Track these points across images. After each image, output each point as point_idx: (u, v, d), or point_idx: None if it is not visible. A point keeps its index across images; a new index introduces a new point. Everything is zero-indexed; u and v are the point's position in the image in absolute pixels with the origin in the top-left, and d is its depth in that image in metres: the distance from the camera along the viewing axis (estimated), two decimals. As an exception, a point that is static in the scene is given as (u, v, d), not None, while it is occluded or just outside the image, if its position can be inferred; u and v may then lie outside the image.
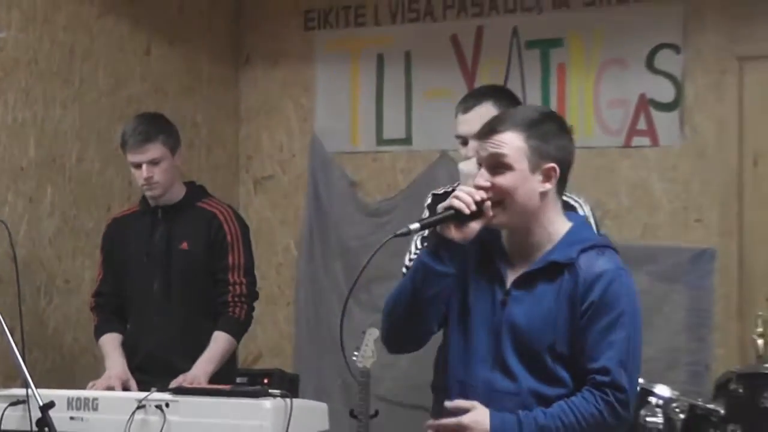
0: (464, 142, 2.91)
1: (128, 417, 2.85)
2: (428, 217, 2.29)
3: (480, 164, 2.25)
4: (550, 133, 2.23)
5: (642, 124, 4.19)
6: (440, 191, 3.07)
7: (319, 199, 4.80)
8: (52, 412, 2.78)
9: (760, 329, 3.36)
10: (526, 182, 2.20)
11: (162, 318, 3.41)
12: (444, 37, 4.52)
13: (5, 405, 2.95)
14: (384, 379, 4.35)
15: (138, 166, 3.38)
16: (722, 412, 3.08)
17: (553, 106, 4.23)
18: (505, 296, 2.24)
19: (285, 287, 4.90)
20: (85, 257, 4.08)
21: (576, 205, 2.86)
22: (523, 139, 2.21)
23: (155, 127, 3.42)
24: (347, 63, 4.72)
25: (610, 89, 4.22)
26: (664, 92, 4.14)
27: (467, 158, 2.87)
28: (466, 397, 2.24)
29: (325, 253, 4.76)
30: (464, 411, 2.20)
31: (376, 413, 3.84)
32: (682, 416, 3.09)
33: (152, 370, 3.36)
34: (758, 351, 3.33)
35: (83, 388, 3.24)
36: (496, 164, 2.21)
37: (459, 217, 2.19)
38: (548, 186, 2.22)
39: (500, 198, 2.20)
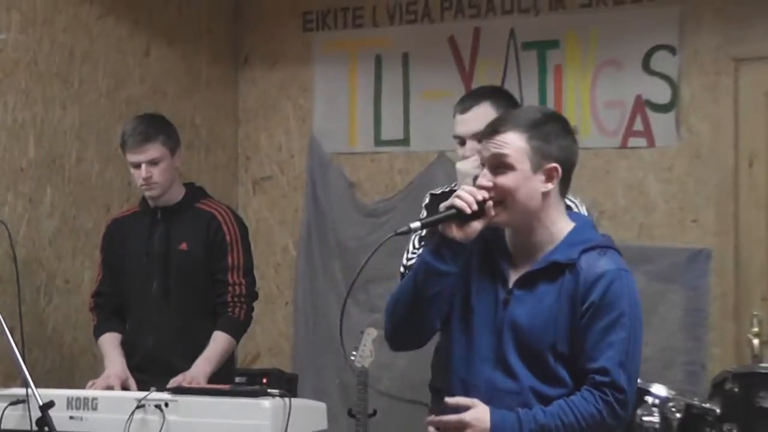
0: (462, 142, 2.92)
1: (127, 416, 2.86)
2: (429, 216, 2.30)
3: (483, 164, 2.26)
4: (553, 133, 2.24)
5: (638, 125, 4.20)
6: (438, 191, 3.08)
7: (317, 199, 4.81)
8: (51, 412, 2.79)
9: (755, 329, 3.36)
10: (528, 182, 2.21)
11: (161, 318, 3.41)
12: (441, 38, 4.53)
13: (5, 404, 2.95)
14: (382, 378, 4.37)
15: (137, 166, 3.38)
16: (718, 411, 3.08)
17: (550, 107, 4.23)
18: (508, 296, 2.25)
19: (283, 287, 4.90)
20: (84, 257, 4.08)
21: (572, 205, 2.87)
22: (525, 140, 2.22)
23: (155, 127, 3.42)
24: (345, 64, 4.73)
25: (606, 90, 4.24)
26: (661, 93, 4.16)
27: (465, 158, 2.88)
28: (468, 395, 2.25)
29: (324, 254, 4.77)
30: (465, 408, 2.21)
31: (375, 413, 3.85)
32: (678, 415, 3.09)
33: (151, 369, 3.36)
34: (754, 351, 3.34)
35: (83, 387, 3.25)
36: (498, 164, 2.22)
37: (460, 217, 2.20)
38: (550, 186, 2.23)
39: (502, 198, 2.21)
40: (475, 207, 2.19)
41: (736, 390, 3.08)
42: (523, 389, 2.21)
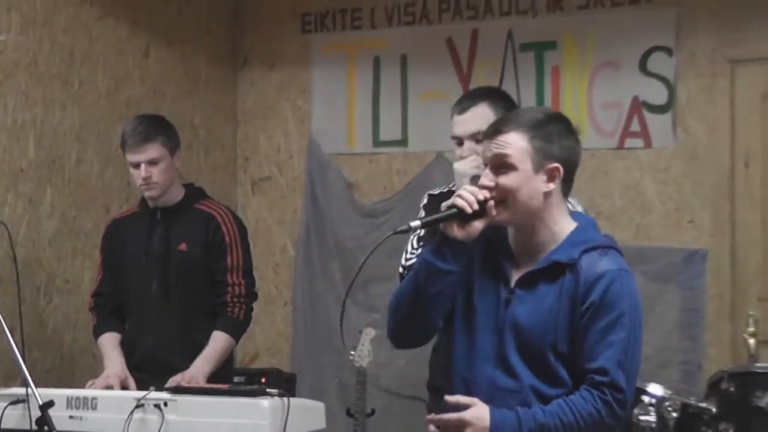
0: (460, 142, 2.92)
1: (127, 416, 2.86)
2: (430, 215, 2.30)
3: (485, 164, 2.27)
4: (555, 133, 2.24)
5: (635, 126, 4.22)
6: (436, 192, 3.09)
7: (316, 200, 4.81)
8: (51, 411, 2.79)
9: (751, 329, 3.36)
10: (530, 182, 2.22)
11: (160, 318, 3.42)
12: (439, 39, 4.54)
13: (5, 404, 2.96)
14: (381, 377, 4.38)
15: (137, 165, 3.39)
16: (714, 410, 3.08)
17: (548, 108, 4.27)
18: (509, 295, 2.25)
19: (282, 287, 4.91)
20: (84, 258, 4.09)
21: (569, 206, 2.88)
22: (527, 140, 2.22)
23: (155, 127, 3.43)
24: (344, 65, 4.74)
25: (603, 91, 4.25)
26: (657, 94, 4.17)
27: (462, 158, 2.89)
28: (470, 394, 2.26)
29: (322, 254, 4.78)
30: (465, 407, 2.22)
31: (373, 412, 3.86)
32: (674, 415, 3.08)
33: (150, 369, 3.36)
34: (750, 350, 3.34)
35: (82, 387, 3.26)
36: (500, 164, 2.23)
37: (461, 216, 2.20)
38: (552, 186, 2.23)
39: (503, 197, 2.22)
40: (476, 207, 2.20)
41: (732, 389, 3.09)
42: (523, 388, 2.22)
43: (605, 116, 4.24)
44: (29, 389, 2.84)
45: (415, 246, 2.97)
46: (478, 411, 2.20)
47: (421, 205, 3.06)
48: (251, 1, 4.96)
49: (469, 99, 2.99)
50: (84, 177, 4.15)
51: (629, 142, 4.24)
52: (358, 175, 4.77)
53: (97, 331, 3.50)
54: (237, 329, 3.45)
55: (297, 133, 4.90)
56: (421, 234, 2.95)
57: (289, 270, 4.89)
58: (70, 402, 2.96)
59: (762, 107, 4.07)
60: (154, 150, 3.38)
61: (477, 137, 2.87)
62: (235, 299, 3.42)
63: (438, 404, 2.87)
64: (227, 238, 3.45)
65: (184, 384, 3.15)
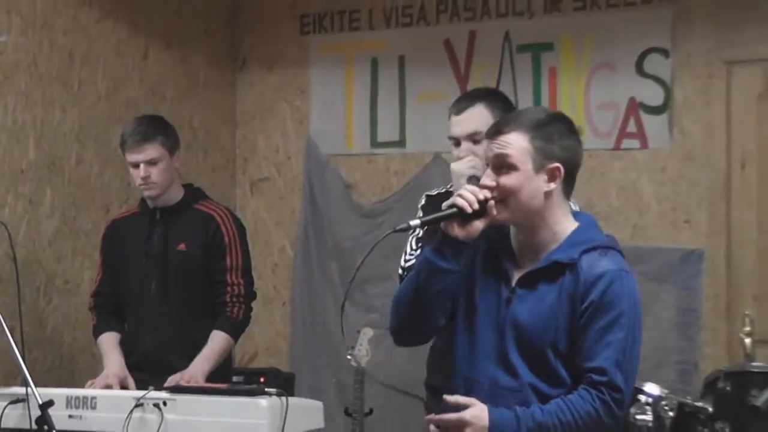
0: (457, 143, 2.93)
1: (126, 415, 2.87)
2: (430, 214, 2.32)
3: (487, 164, 2.29)
4: (556, 133, 2.26)
5: (631, 127, 4.23)
6: (434, 192, 3.10)
7: (314, 200, 4.82)
8: (51, 411, 2.80)
9: (747, 328, 3.35)
10: (531, 182, 2.23)
11: (159, 318, 3.43)
12: (437, 41, 4.56)
13: (5, 403, 2.96)
14: (379, 377, 4.39)
15: (136, 165, 3.40)
16: (710, 409, 3.08)
17: (545, 109, 4.28)
18: (510, 294, 2.27)
19: (281, 287, 4.93)
20: (84, 258, 4.10)
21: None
22: (528, 140, 2.24)
23: (154, 128, 3.44)
24: (342, 66, 4.75)
25: (600, 92, 4.26)
26: (653, 96, 4.18)
27: (459, 159, 2.90)
28: (471, 393, 2.28)
29: (321, 254, 4.79)
30: (464, 407, 2.23)
31: (371, 411, 3.87)
32: (671, 414, 3.07)
33: (149, 369, 3.38)
34: (746, 350, 3.33)
35: (82, 386, 3.27)
36: (501, 164, 2.25)
37: (461, 215, 2.22)
38: (553, 186, 2.24)
39: (504, 197, 2.23)
40: (476, 206, 2.21)
41: (728, 389, 3.09)
42: (523, 387, 2.24)
43: (602, 117, 4.25)
44: (29, 389, 2.85)
45: (414, 247, 2.98)
46: (477, 411, 2.21)
47: (419, 206, 3.08)
48: (250, 2, 4.97)
49: (466, 100, 3.00)
50: (83, 178, 4.17)
51: (626, 143, 4.25)
52: (356, 175, 4.78)
53: (97, 331, 3.51)
54: (236, 329, 3.46)
55: (295, 134, 4.91)
56: (420, 235, 2.97)
57: (288, 270, 4.90)
58: (69, 401, 2.97)
59: (758, 108, 4.08)
60: (153, 150, 3.39)
61: (474, 138, 2.89)
62: (234, 299, 3.44)
63: (436, 403, 2.89)
64: (226, 239, 3.46)
65: (184, 383, 3.17)
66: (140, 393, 2.95)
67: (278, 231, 4.95)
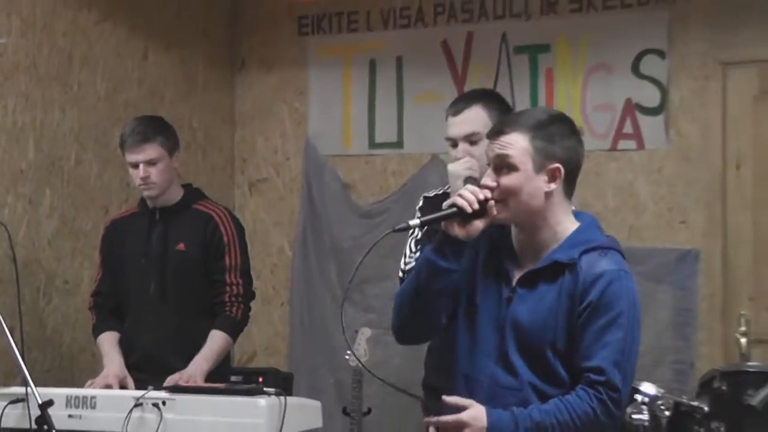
0: (454, 144, 2.94)
1: (126, 415, 2.87)
2: (429, 214, 2.33)
3: (488, 164, 2.30)
4: (557, 134, 2.26)
5: (628, 128, 4.24)
6: (431, 194, 3.10)
7: (312, 201, 4.83)
8: (50, 410, 2.81)
9: (743, 328, 3.38)
10: (531, 182, 2.24)
11: (158, 318, 3.44)
12: (435, 42, 4.57)
13: (5, 403, 2.96)
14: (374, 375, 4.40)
15: (135, 166, 3.41)
16: (706, 409, 3.08)
17: (542, 110, 4.29)
18: (511, 294, 2.28)
19: (279, 287, 4.94)
20: (83, 258, 4.12)
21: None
22: (528, 140, 2.24)
23: (153, 128, 3.45)
24: (340, 68, 4.76)
25: (596, 94, 4.28)
26: (650, 97, 4.20)
27: (457, 160, 2.91)
28: (472, 391, 2.29)
29: (319, 254, 4.80)
30: (462, 408, 2.24)
31: (369, 411, 3.89)
32: (667, 413, 3.06)
33: (148, 368, 3.39)
34: (741, 349, 3.35)
35: (82, 386, 3.27)
36: (502, 164, 2.26)
37: (461, 215, 2.23)
38: (553, 186, 2.25)
39: (505, 197, 2.25)
40: (476, 206, 2.23)
41: (724, 388, 3.09)
42: (523, 386, 2.25)
43: (598, 118, 4.26)
44: (29, 388, 2.86)
45: (414, 250, 2.99)
46: (475, 412, 2.22)
47: (417, 208, 3.08)
48: (249, 4, 4.98)
49: (463, 101, 3.00)
50: (83, 178, 4.18)
51: (622, 144, 4.26)
52: (354, 176, 4.79)
53: (97, 330, 3.52)
54: (235, 328, 3.47)
55: (294, 135, 4.93)
56: (418, 237, 2.98)
57: (287, 270, 4.91)
58: (69, 401, 2.97)
59: (753, 109, 4.10)
60: (152, 150, 3.40)
61: (471, 139, 2.91)
62: (233, 299, 3.44)
63: (433, 403, 2.91)
64: (225, 238, 3.47)
65: (183, 383, 3.17)
66: (139, 393, 2.96)
67: (277, 231, 4.96)
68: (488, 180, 2.26)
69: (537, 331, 2.24)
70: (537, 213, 2.26)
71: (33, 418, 2.84)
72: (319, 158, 4.84)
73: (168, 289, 3.45)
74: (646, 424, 3.08)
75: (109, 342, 3.47)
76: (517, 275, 2.29)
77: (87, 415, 2.96)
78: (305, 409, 3.05)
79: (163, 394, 2.93)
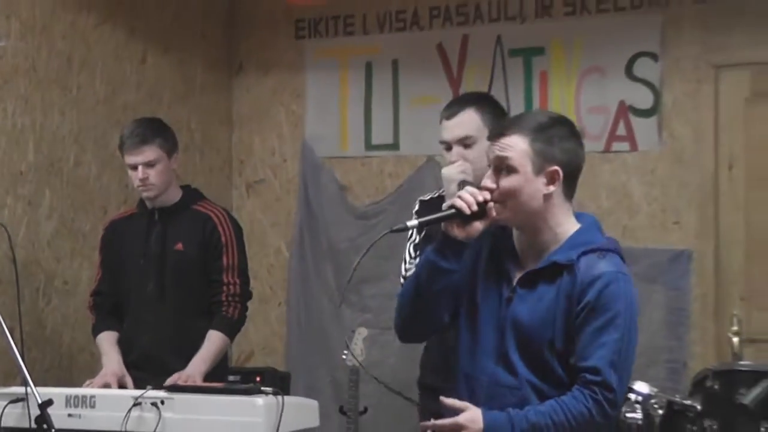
0: (448, 147, 2.95)
1: (124, 414, 2.89)
2: (428, 215, 2.35)
3: (489, 165, 2.32)
4: (557, 136, 2.27)
5: (621, 130, 4.26)
6: (427, 197, 3.12)
7: (309, 202, 4.84)
8: (50, 410, 2.82)
9: (735, 328, 3.39)
10: (530, 184, 2.26)
11: (156, 317, 3.46)
12: (430, 45, 4.58)
13: (5, 403, 2.98)
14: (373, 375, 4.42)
15: (134, 167, 3.42)
16: (699, 407, 3.09)
17: (536, 112, 4.30)
18: (511, 294, 2.30)
19: (277, 287, 4.95)
20: (82, 259, 4.13)
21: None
22: (528, 143, 2.26)
23: (152, 130, 3.46)
24: (336, 70, 4.77)
25: (590, 96, 4.29)
26: (643, 99, 4.21)
27: (451, 164, 2.92)
28: (472, 390, 2.32)
29: (316, 255, 4.81)
30: (459, 410, 2.26)
31: (365, 410, 3.90)
32: (660, 412, 3.07)
33: (147, 368, 3.40)
34: (733, 349, 3.37)
35: (81, 386, 3.29)
36: (501, 166, 2.27)
37: (460, 216, 2.25)
38: (552, 188, 2.26)
39: (504, 199, 2.27)
40: (474, 208, 2.25)
41: (716, 387, 3.10)
42: (522, 385, 2.27)
43: (592, 120, 4.27)
44: (28, 388, 2.87)
45: (413, 254, 3.00)
46: (472, 414, 2.24)
47: (414, 211, 3.09)
48: (246, 7, 4.99)
49: (456, 104, 3.01)
50: (82, 180, 4.19)
51: (616, 146, 4.27)
52: (350, 177, 4.81)
53: (96, 330, 3.53)
54: (232, 328, 3.49)
55: (291, 136, 4.94)
56: (417, 241, 3.00)
57: (284, 271, 4.92)
58: (68, 400, 2.98)
59: (745, 111, 4.11)
60: (151, 152, 3.41)
61: (465, 142, 2.92)
62: (229, 298, 3.46)
63: (429, 402, 2.94)
64: (223, 239, 3.48)
65: (181, 383, 3.18)
66: (138, 392, 2.98)
67: (274, 232, 4.97)
68: (488, 182, 2.28)
69: (536, 330, 2.26)
70: (536, 214, 2.28)
71: (33, 418, 2.85)
72: (316, 160, 4.85)
73: (166, 288, 3.47)
74: (640, 422, 3.09)
75: (108, 341, 3.48)
76: (517, 276, 2.31)
77: (86, 415, 2.98)
78: (302, 408, 3.07)
79: (161, 394, 2.94)
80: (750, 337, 3.78)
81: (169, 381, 3.19)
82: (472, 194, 2.26)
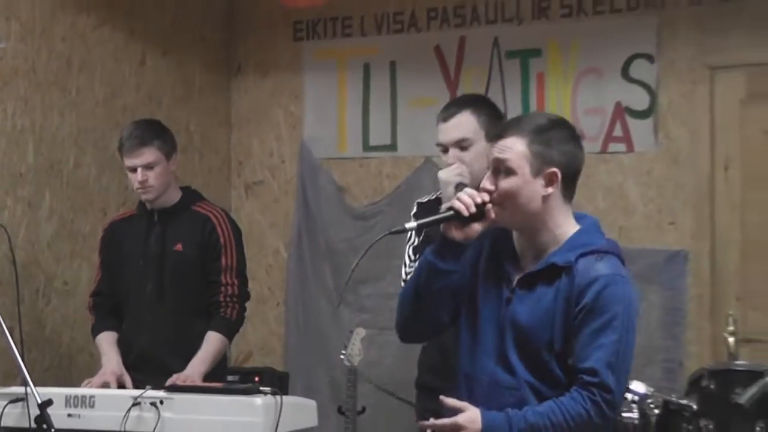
0: (445, 150, 2.96)
1: (124, 414, 2.90)
2: (427, 217, 2.36)
3: (488, 167, 2.34)
4: (555, 139, 2.28)
5: (618, 131, 4.27)
6: (424, 200, 3.13)
7: (307, 203, 4.85)
8: (50, 410, 2.83)
9: (731, 328, 3.37)
10: (528, 186, 2.27)
11: (155, 318, 3.47)
12: (428, 47, 4.59)
13: (5, 403, 2.98)
14: (370, 376, 4.44)
15: (133, 169, 3.43)
16: (695, 407, 3.07)
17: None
18: (511, 295, 2.31)
19: (275, 288, 4.96)
20: (82, 260, 4.14)
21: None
22: (526, 144, 2.27)
23: (151, 132, 3.47)
24: (334, 72, 4.78)
25: (587, 97, 4.30)
26: (639, 100, 4.22)
27: (448, 166, 2.94)
28: (472, 390, 2.33)
29: (314, 255, 4.82)
30: (458, 411, 2.27)
31: (363, 410, 3.91)
32: (656, 411, 3.07)
33: (146, 368, 3.41)
34: (729, 348, 3.35)
35: (80, 386, 3.31)
36: (500, 168, 2.29)
37: (459, 218, 2.27)
38: (550, 190, 2.27)
39: (502, 201, 2.28)
40: (473, 210, 2.26)
41: (712, 387, 3.09)
42: (521, 385, 2.28)
43: (589, 122, 4.27)
44: (28, 388, 2.88)
45: (413, 257, 3.01)
46: (471, 414, 2.25)
47: (411, 214, 3.09)
48: (244, 9, 5.00)
49: (453, 107, 3.02)
50: (82, 181, 4.21)
51: (612, 147, 4.28)
52: (348, 178, 4.81)
53: (95, 330, 3.55)
54: (230, 329, 3.50)
55: (289, 138, 4.95)
56: (416, 244, 3.01)
57: (282, 271, 4.93)
58: (68, 400, 2.99)
59: (740, 112, 4.12)
60: (150, 154, 3.43)
61: (461, 144, 2.93)
62: (228, 299, 3.47)
63: (426, 402, 2.96)
64: (222, 239, 3.50)
65: (180, 383, 3.19)
66: (137, 392, 2.99)
67: (272, 233, 4.98)
68: (487, 183, 2.30)
69: (534, 331, 2.27)
70: (535, 216, 2.29)
71: (32, 418, 2.85)
72: (314, 161, 4.86)
73: (166, 289, 3.48)
74: (636, 422, 3.08)
75: (107, 341, 3.50)
76: (516, 277, 2.32)
77: (86, 414, 2.98)
78: (301, 408, 3.08)
79: (160, 393, 2.95)
80: (746, 336, 3.79)
81: (168, 383, 3.18)
82: (470, 196, 2.27)
